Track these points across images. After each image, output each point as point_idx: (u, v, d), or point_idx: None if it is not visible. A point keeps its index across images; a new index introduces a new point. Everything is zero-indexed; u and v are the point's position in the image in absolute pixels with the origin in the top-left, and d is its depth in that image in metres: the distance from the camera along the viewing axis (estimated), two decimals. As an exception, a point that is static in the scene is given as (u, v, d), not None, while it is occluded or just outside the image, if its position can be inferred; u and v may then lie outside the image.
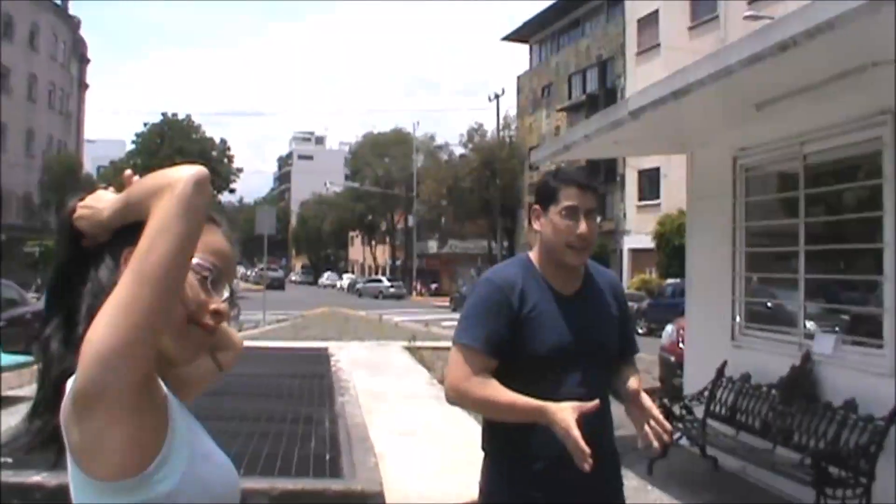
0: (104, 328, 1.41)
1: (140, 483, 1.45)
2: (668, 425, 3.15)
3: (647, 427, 3.14)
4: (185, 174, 1.54)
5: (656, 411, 3.18)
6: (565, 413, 2.93)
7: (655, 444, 3.13)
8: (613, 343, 3.39)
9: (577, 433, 2.87)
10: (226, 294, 1.70)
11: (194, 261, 1.61)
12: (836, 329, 8.35)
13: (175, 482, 1.49)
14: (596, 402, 2.98)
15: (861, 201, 8.00)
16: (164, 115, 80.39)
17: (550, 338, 3.21)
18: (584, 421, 2.94)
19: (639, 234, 46.08)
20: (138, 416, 1.44)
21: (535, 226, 3.38)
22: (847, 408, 7.19)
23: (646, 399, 3.19)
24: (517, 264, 3.41)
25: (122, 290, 1.44)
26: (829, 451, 7.08)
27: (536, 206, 3.37)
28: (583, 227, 3.23)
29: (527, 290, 3.26)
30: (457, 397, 3.25)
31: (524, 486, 3.22)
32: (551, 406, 2.98)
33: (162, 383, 1.54)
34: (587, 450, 2.85)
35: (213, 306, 1.65)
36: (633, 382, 3.32)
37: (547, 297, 3.28)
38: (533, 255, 3.41)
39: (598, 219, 3.50)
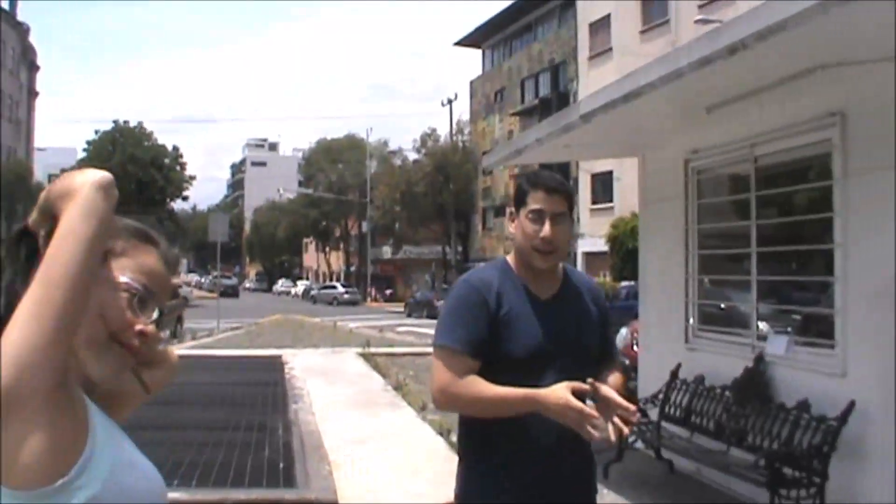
0: (15, 333, 1.39)
1: (59, 490, 1.41)
2: (631, 406, 3.06)
3: (615, 419, 3.05)
4: (88, 178, 1.54)
5: (618, 397, 3.07)
6: (559, 391, 2.95)
7: (625, 430, 3.06)
8: (591, 347, 3.37)
9: (577, 403, 2.91)
10: (155, 315, 1.67)
11: (123, 279, 1.62)
12: (789, 330, 8.40)
13: (96, 490, 1.45)
14: (590, 381, 3.01)
15: (812, 202, 8.04)
16: (115, 122, 79.60)
17: (527, 340, 3.19)
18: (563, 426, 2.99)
19: (592, 237, 46.18)
20: (55, 421, 1.40)
21: (510, 228, 3.39)
22: (800, 408, 7.22)
23: (607, 390, 3.10)
24: (495, 267, 3.41)
25: (32, 295, 1.42)
26: (782, 451, 7.11)
27: (511, 210, 3.39)
28: (546, 230, 3.22)
29: (503, 291, 3.25)
30: (446, 401, 3.21)
31: (501, 490, 3.18)
32: (542, 390, 2.99)
33: (81, 391, 1.52)
34: (594, 413, 2.91)
35: (138, 327, 1.63)
36: (610, 380, 3.29)
37: (523, 299, 3.27)
38: (510, 258, 3.41)
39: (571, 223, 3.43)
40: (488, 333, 3.18)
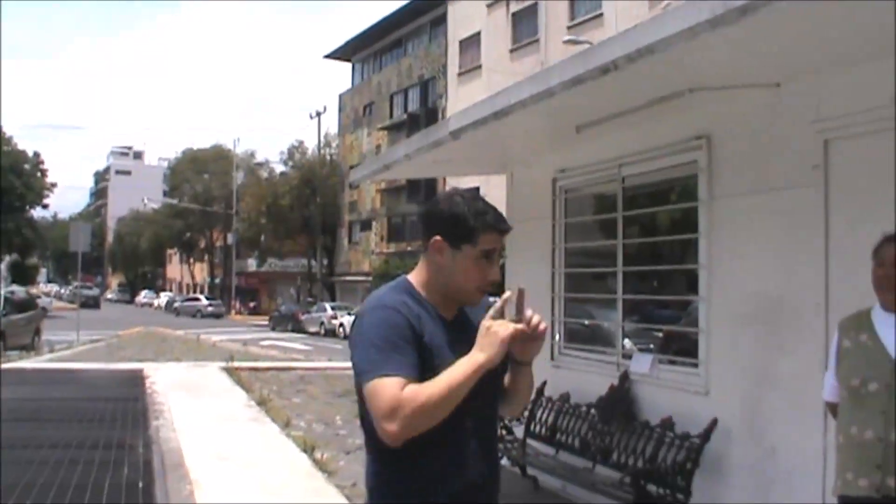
0: None
1: None
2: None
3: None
4: None
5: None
6: (489, 339, 2.91)
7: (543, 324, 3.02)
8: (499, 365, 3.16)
9: (510, 331, 2.91)
10: None
11: None
12: (653, 348, 8.52)
13: None
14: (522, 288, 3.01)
15: (677, 223, 8.18)
16: (-30, 126, 77.05)
17: (445, 365, 2.92)
18: (474, 460, 2.98)
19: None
20: None
21: (437, 258, 3.06)
22: (664, 426, 7.31)
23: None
24: (400, 290, 3.10)
25: None
26: (647, 468, 7.18)
27: (439, 239, 3.04)
28: (495, 272, 3.08)
29: (420, 316, 2.99)
30: (404, 425, 2.80)
31: None
32: (477, 352, 2.90)
33: None
34: (536, 317, 2.92)
35: None
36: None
37: (437, 324, 3.04)
38: (415, 280, 3.14)
39: None
40: (418, 358, 2.91)
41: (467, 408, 2.93)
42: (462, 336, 3.02)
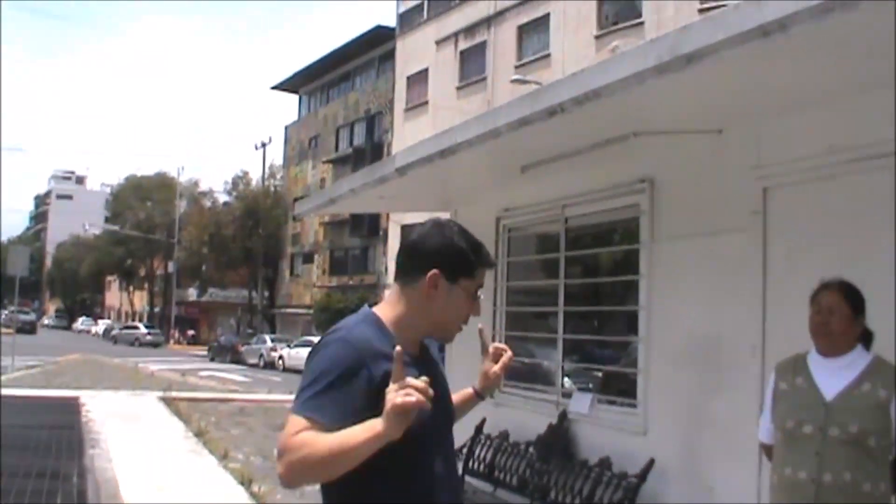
0: None
1: None
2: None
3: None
4: None
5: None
6: (397, 408, 2.56)
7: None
8: (449, 396, 3.13)
9: (416, 399, 2.56)
10: None
11: None
12: (592, 388, 8.58)
13: None
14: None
15: (618, 264, 8.27)
16: None
17: None
18: (442, 491, 2.91)
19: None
20: None
21: (430, 292, 2.92)
22: (602, 465, 7.35)
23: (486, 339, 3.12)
24: (367, 323, 2.92)
25: None
26: (584, 508, 7.22)
27: (437, 273, 2.91)
28: (478, 307, 3.02)
29: (384, 352, 2.77)
30: (287, 470, 2.68)
31: None
32: (384, 415, 2.59)
33: None
34: (420, 384, 2.57)
35: None
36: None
37: (408, 360, 2.78)
38: (385, 315, 2.97)
39: None
40: (365, 407, 2.70)
41: (433, 440, 2.90)
42: (428, 371, 2.83)
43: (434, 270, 2.91)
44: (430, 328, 3.00)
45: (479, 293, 3.00)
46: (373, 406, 2.66)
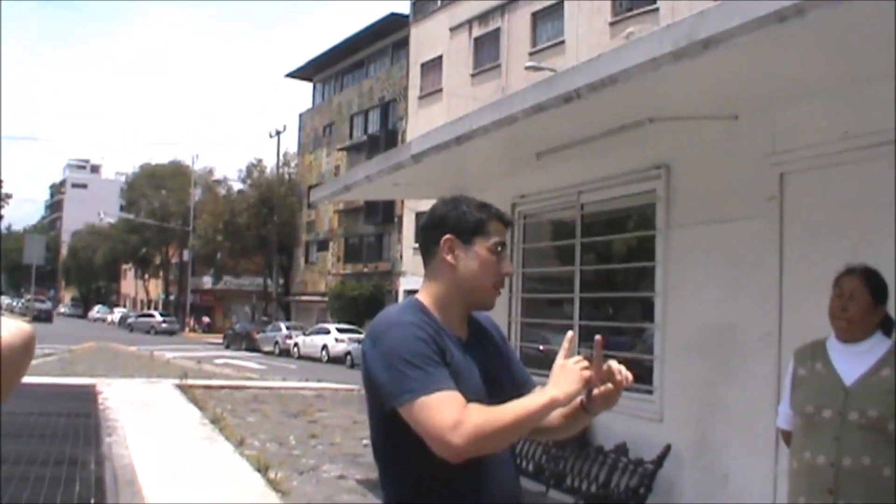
0: None
1: None
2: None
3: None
4: None
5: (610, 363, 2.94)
6: (567, 378, 2.76)
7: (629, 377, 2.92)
8: (514, 384, 3.01)
9: (586, 374, 2.80)
10: None
11: None
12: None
13: None
14: (598, 337, 2.94)
15: (633, 251, 8.26)
16: (-80, 134, 76.17)
17: (469, 388, 2.71)
18: (507, 482, 2.86)
19: (415, 275, 46.37)
20: None
21: (448, 259, 2.90)
22: (618, 451, 7.37)
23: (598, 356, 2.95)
24: (412, 310, 2.87)
25: None
26: (600, 493, 7.24)
27: (450, 237, 2.90)
28: (510, 265, 3.00)
29: (437, 335, 2.76)
30: (469, 440, 2.56)
31: None
32: (553, 388, 2.71)
33: None
34: (616, 365, 2.83)
35: None
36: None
37: (456, 344, 2.83)
38: (426, 300, 2.93)
39: None
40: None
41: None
42: (482, 358, 2.89)
43: (447, 236, 2.91)
44: (467, 298, 2.94)
45: (501, 249, 2.95)
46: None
